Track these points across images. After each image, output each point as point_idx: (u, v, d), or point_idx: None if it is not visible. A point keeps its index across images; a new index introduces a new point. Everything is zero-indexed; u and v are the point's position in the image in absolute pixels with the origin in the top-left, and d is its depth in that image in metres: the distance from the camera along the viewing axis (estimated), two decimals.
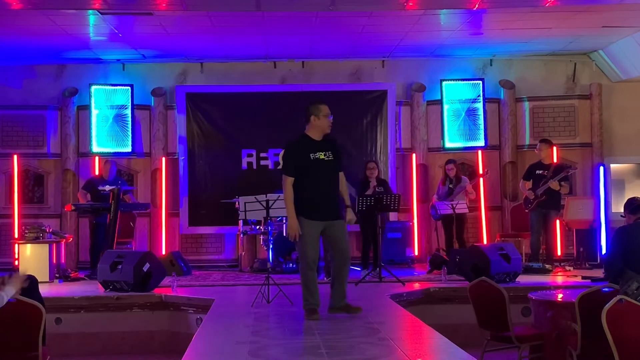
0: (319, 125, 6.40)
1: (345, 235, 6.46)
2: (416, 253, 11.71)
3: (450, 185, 10.74)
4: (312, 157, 6.35)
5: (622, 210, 6.56)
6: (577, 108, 11.98)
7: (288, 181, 6.34)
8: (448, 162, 10.91)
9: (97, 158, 11.60)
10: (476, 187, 11.34)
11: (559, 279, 9.52)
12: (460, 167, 11.40)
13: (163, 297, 8.31)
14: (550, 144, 10.52)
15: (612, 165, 12.02)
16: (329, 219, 6.37)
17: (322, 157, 6.37)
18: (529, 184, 10.36)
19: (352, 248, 11.71)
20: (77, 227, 11.67)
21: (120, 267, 8.46)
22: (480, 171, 11.56)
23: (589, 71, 12.15)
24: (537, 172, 10.30)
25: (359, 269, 10.55)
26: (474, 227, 11.71)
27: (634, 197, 6.57)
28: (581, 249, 10.91)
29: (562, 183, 10.07)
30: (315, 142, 6.41)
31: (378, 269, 9.23)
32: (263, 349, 5.20)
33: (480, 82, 12.04)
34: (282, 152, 6.71)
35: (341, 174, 6.56)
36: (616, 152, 12.05)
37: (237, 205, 9.94)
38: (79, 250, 11.70)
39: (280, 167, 11.55)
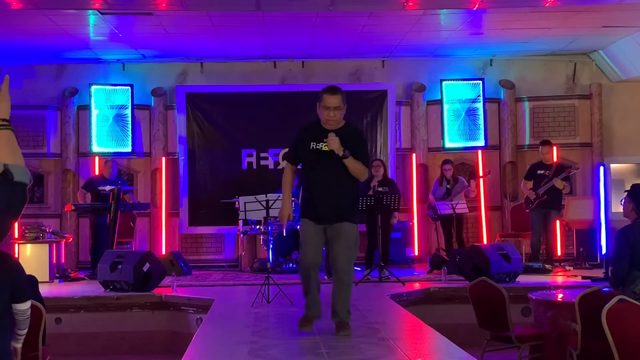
0: (320, 114, 5.63)
1: (340, 243, 5.48)
2: (416, 253, 11.71)
3: (448, 186, 10.74)
4: (312, 146, 5.57)
5: (621, 210, 6.46)
6: (577, 108, 11.98)
7: (287, 167, 5.81)
8: (445, 162, 10.91)
9: (97, 158, 11.61)
10: (476, 187, 11.34)
11: (559, 279, 9.52)
12: (458, 168, 11.39)
13: (163, 297, 8.31)
14: (551, 144, 10.54)
15: (612, 165, 12.02)
16: (327, 222, 5.54)
17: (324, 148, 5.52)
18: (530, 184, 10.39)
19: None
20: (77, 227, 11.67)
21: (120, 267, 8.46)
22: (481, 172, 11.53)
23: (589, 71, 12.15)
24: (539, 172, 10.34)
25: (359, 269, 10.55)
26: (474, 227, 11.71)
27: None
28: (581, 249, 10.91)
29: (564, 183, 10.12)
30: (322, 131, 5.56)
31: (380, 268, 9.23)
32: (263, 349, 5.20)
33: (480, 82, 12.04)
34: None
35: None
36: (616, 152, 12.05)
37: (237, 205, 9.95)
38: (79, 250, 11.70)
39: (280, 165, 11.63)
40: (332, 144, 5.44)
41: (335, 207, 5.53)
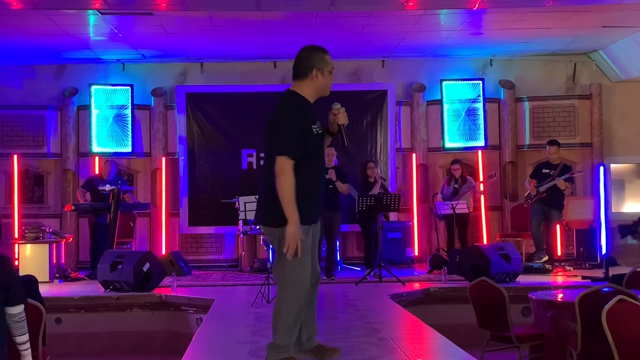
0: (320, 85, 4.38)
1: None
2: (416, 253, 11.71)
3: (456, 186, 10.76)
4: (315, 130, 4.24)
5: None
6: (577, 108, 11.99)
7: (289, 166, 4.11)
8: (453, 162, 10.94)
9: (97, 158, 11.61)
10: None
11: (559, 279, 9.52)
12: (466, 168, 11.39)
13: (163, 297, 8.32)
14: (558, 145, 10.51)
15: (612, 165, 12.02)
16: (316, 220, 4.39)
17: (320, 131, 4.33)
18: (535, 182, 10.42)
19: (351, 248, 11.80)
20: (77, 227, 11.67)
21: (120, 267, 8.47)
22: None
23: (589, 71, 12.15)
24: (544, 170, 10.39)
25: (359, 269, 10.56)
26: (474, 227, 11.69)
27: None
28: (581, 249, 10.91)
29: (567, 184, 10.13)
30: (311, 109, 4.33)
31: (378, 268, 9.23)
32: (263, 349, 5.16)
33: (480, 82, 12.03)
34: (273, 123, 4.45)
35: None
36: (616, 152, 12.05)
37: (237, 205, 9.95)
38: (79, 250, 11.70)
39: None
40: (345, 117, 4.28)
41: (324, 197, 4.44)
